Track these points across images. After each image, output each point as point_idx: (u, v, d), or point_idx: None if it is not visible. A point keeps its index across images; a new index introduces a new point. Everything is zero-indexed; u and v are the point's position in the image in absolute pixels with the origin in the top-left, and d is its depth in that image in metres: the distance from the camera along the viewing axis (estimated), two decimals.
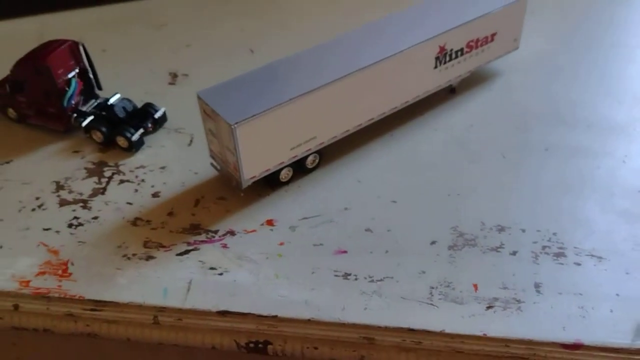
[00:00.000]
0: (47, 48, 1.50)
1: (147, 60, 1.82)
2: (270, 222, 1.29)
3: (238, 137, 1.20)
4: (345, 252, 1.22)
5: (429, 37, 1.40)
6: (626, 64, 1.69)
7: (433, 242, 1.22)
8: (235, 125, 1.18)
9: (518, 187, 1.33)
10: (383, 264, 1.19)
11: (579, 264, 1.16)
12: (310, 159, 1.38)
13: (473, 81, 1.62)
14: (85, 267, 1.22)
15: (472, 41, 1.49)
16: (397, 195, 1.33)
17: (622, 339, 1.04)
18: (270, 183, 1.35)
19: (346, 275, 1.17)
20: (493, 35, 1.53)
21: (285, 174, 1.36)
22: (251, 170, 1.27)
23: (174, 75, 1.75)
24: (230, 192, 1.34)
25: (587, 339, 1.04)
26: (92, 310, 1.17)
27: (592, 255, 1.17)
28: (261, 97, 1.24)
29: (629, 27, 1.85)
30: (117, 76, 1.72)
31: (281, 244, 1.24)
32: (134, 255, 1.24)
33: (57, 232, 1.30)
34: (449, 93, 1.60)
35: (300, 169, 1.38)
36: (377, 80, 1.36)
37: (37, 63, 1.47)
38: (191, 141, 1.51)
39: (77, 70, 1.54)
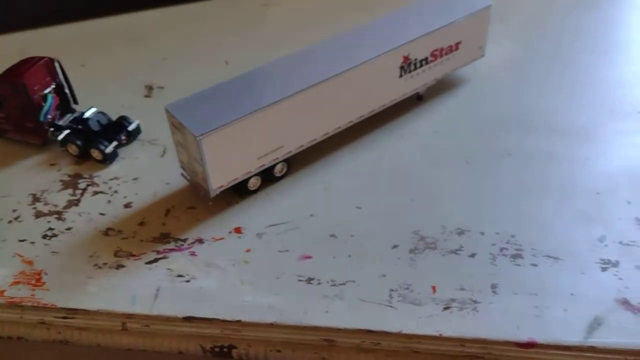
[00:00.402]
0: (24, 65, 1.54)
1: (124, 74, 1.86)
2: (238, 230, 1.32)
3: (204, 149, 1.23)
4: (309, 257, 1.25)
5: (393, 47, 1.44)
6: (592, 70, 1.73)
7: (395, 246, 1.25)
8: (201, 137, 1.22)
9: (479, 191, 1.36)
10: (346, 268, 1.22)
11: (535, 265, 1.19)
12: (278, 167, 1.41)
13: (440, 88, 1.66)
14: (58, 276, 1.26)
15: (436, 50, 1.53)
16: (362, 202, 1.36)
17: (574, 337, 1.07)
18: (239, 192, 1.39)
19: (309, 280, 1.20)
20: (458, 43, 1.57)
21: (253, 183, 1.39)
22: (219, 180, 1.31)
23: (150, 88, 1.79)
24: (199, 202, 1.38)
25: (541, 337, 1.07)
26: (63, 318, 1.20)
27: (549, 256, 1.21)
28: (227, 108, 1.28)
29: (595, 33, 1.89)
30: (94, 90, 1.75)
31: (248, 250, 1.27)
32: (104, 264, 1.27)
33: (32, 243, 1.33)
34: (416, 100, 1.63)
35: (268, 177, 1.41)
36: (342, 90, 1.40)
37: (14, 80, 1.50)
38: (164, 152, 1.55)
39: (53, 86, 1.57)
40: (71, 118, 1.60)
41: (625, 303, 1.11)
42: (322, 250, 1.26)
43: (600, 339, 1.06)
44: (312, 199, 1.38)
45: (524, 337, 1.07)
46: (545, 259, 1.20)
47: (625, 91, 1.63)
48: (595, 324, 1.08)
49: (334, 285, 1.19)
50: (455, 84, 1.70)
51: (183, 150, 1.33)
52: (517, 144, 1.48)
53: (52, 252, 1.31)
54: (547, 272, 1.18)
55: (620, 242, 1.22)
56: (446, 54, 1.56)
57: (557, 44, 1.85)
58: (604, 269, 1.17)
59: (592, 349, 1.05)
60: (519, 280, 1.16)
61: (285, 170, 1.44)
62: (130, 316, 1.18)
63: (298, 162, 1.46)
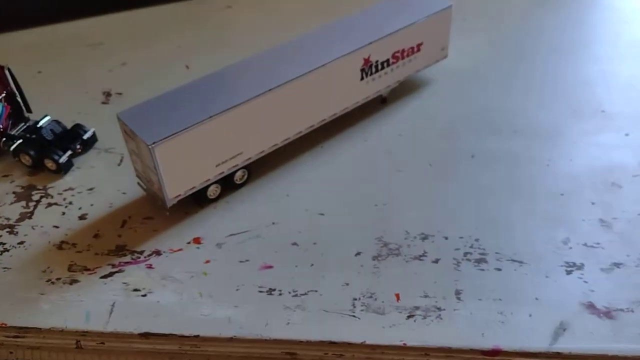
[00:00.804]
0: None
1: (81, 80, 1.81)
2: (197, 240, 1.28)
3: (157, 157, 1.19)
4: (271, 267, 1.22)
5: (353, 49, 1.41)
6: (556, 70, 1.73)
7: (358, 254, 1.23)
8: (153, 145, 1.17)
9: (443, 195, 1.34)
10: (308, 277, 1.19)
11: (499, 269, 1.17)
12: (238, 174, 1.38)
13: (404, 90, 1.64)
14: (9, 293, 1.20)
15: (397, 52, 1.51)
16: (325, 208, 1.34)
17: (540, 342, 1.05)
18: (198, 200, 1.35)
19: (270, 291, 1.17)
20: (419, 45, 1.55)
21: (213, 191, 1.35)
22: (175, 189, 1.27)
23: (108, 95, 1.74)
24: (157, 212, 1.34)
25: (506, 344, 1.05)
26: (14, 337, 1.15)
27: (513, 260, 1.19)
28: (182, 115, 1.24)
29: (560, 34, 1.88)
30: (50, 98, 1.70)
31: (207, 261, 1.24)
32: (58, 279, 1.22)
33: None
34: (380, 103, 1.61)
35: (228, 185, 1.38)
36: (302, 94, 1.37)
37: None
38: (121, 161, 1.50)
39: (4, 94, 1.52)
40: (24, 127, 1.54)
41: (591, 307, 1.10)
42: (283, 259, 1.23)
43: (566, 345, 1.04)
44: (273, 207, 1.35)
45: (489, 344, 1.05)
46: (509, 262, 1.18)
47: (588, 90, 1.63)
48: (561, 329, 1.06)
49: (296, 295, 1.15)
50: (419, 86, 1.68)
51: (138, 159, 1.28)
52: (480, 146, 1.46)
53: (4, 268, 1.25)
54: (511, 276, 1.16)
55: (585, 244, 1.21)
56: (408, 55, 1.54)
57: (520, 44, 1.84)
58: (568, 272, 1.16)
59: (558, 355, 1.04)
60: (483, 285, 1.15)
61: (245, 177, 1.40)
62: (84, 333, 1.13)
63: (259, 168, 1.42)
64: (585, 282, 1.14)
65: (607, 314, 1.08)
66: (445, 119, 1.56)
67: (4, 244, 1.31)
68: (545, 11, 2.01)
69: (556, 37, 1.87)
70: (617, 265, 1.17)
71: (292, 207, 1.35)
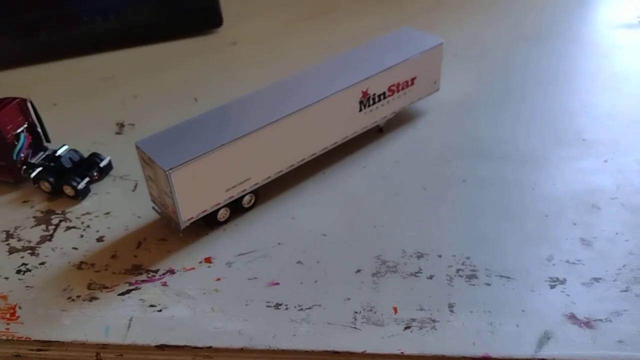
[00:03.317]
0: None
1: (95, 112, 1.92)
2: (208, 260, 1.38)
3: (173, 182, 1.29)
4: (277, 284, 1.31)
5: (352, 83, 1.53)
6: (541, 101, 1.85)
7: (358, 271, 1.32)
8: (170, 171, 1.28)
9: (436, 216, 1.44)
10: (312, 293, 1.28)
11: (489, 284, 1.27)
12: (246, 199, 1.48)
13: (399, 121, 1.75)
14: (32, 310, 1.29)
15: (393, 85, 1.62)
16: (327, 229, 1.43)
17: (526, 350, 1.14)
18: (208, 223, 1.44)
19: (277, 306, 1.26)
20: (413, 79, 1.67)
21: (222, 214, 1.45)
22: (188, 212, 1.37)
23: (121, 125, 1.85)
24: (170, 234, 1.43)
25: (495, 352, 1.14)
26: (38, 350, 1.23)
27: (501, 276, 1.28)
28: (195, 143, 1.34)
29: (544, 67, 2.01)
30: (66, 128, 1.81)
31: (218, 279, 1.33)
32: (78, 297, 1.31)
33: (6, 278, 1.36)
34: (378, 132, 1.72)
35: (237, 208, 1.47)
36: (305, 124, 1.48)
37: None
38: (135, 187, 1.60)
39: (25, 125, 1.62)
40: (43, 156, 1.64)
41: (572, 317, 1.19)
42: (289, 276, 1.32)
43: (550, 352, 1.13)
44: (279, 228, 1.45)
45: (479, 352, 1.14)
46: (498, 278, 1.28)
47: (570, 120, 1.75)
48: (545, 338, 1.15)
49: (301, 309, 1.24)
50: (414, 117, 1.79)
51: (153, 185, 1.38)
52: (471, 172, 1.57)
53: (26, 286, 1.34)
54: (499, 290, 1.25)
55: (567, 261, 1.31)
56: (403, 88, 1.66)
57: (507, 78, 1.97)
58: (552, 287, 1.25)
59: None
60: (474, 299, 1.24)
61: (253, 201, 1.50)
62: (104, 346, 1.21)
63: (265, 193, 1.53)
64: (568, 295, 1.23)
65: (588, 324, 1.18)
66: (438, 147, 1.67)
67: (26, 264, 1.40)
68: (530, 46, 2.15)
69: (541, 71, 2.00)
70: (597, 279, 1.26)
71: (296, 229, 1.44)
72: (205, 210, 1.40)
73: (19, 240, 1.47)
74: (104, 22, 2.27)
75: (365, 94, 1.57)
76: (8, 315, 1.28)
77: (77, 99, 2.01)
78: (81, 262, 1.39)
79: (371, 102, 1.60)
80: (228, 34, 2.36)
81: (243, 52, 2.25)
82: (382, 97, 1.62)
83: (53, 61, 2.22)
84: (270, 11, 2.56)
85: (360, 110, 1.59)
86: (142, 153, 1.35)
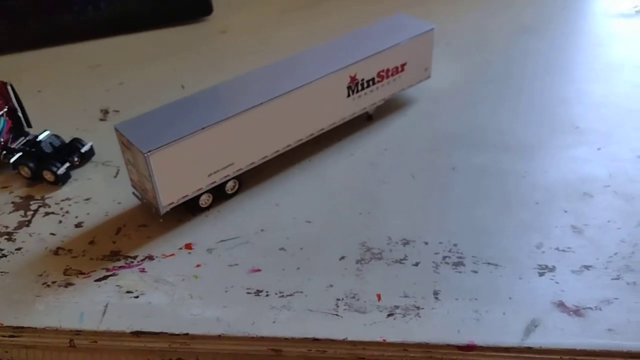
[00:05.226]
0: None
1: (80, 99, 1.89)
2: (188, 246, 1.34)
3: (152, 165, 1.25)
4: (259, 270, 1.27)
5: (339, 67, 1.49)
6: (534, 90, 1.81)
7: (342, 258, 1.28)
8: (149, 154, 1.24)
9: (424, 204, 1.41)
10: (294, 280, 1.24)
11: (476, 272, 1.23)
12: (229, 184, 1.44)
13: (389, 108, 1.72)
14: (6, 295, 1.25)
15: (382, 71, 1.59)
16: (312, 216, 1.40)
17: (512, 338, 1.10)
18: (190, 209, 1.41)
19: (258, 292, 1.22)
20: (403, 65, 1.63)
21: (204, 200, 1.41)
22: (168, 197, 1.33)
23: (105, 112, 1.82)
24: (151, 219, 1.39)
25: (480, 340, 1.10)
26: (10, 336, 1.19)
27: (489, 263, 1.25)
28: (176, 126, 1.31)
29: (538, 57, 1.97)
30: (50, 114, 1.78)
31: (198, 265, 1.29)
32: (53, 282, 1.27)
33: None
34: (366, 120, 1.69)
35: (220, 194, 1.44)
36: (290, 108, 1.44)
37: None
38: (117, 173, 1.57)
39: (5, 109, 1.59)
40: (24, 141, 1.61)
41: (561, 305, 1.15)
42: (271, 263, 1.28)
43: (537, 340, 1.09)
44: (263, 215, 1.41)
45: (464, 340, 1.10)
46: (485, 265, 1.24)
47: (564, 108, 1.71)
48: (532, 326, 1.12)
49: (282, 296, 1.21)
50: (404, 104, 1.76)
51: (133, 169, 1.35)
52: (461, 160, 1.53)
53: (1, 272, 1.31)
54: (487, 278, 1.22)
55: (557, 249, 1.27)
56: (392, 75, 1.62)
57: (501, 67, 1.93)
58: (541, 274, 1.22)
59: (529, 349, 1.09)
60: (460, 286, 1.20)
61: (236, 187, 1.46)
62: (77, 332, 1.18)
63: (250, 179, 1.49)
64: (557, 283, 1.19)
65: (577, 312, 1.14)
66: (428, 135, 1.64)
67: (2, 249, 1.36)
68: (526, 36, 2.11)
69: (535, 60, 1.96)
70: (587, 267, 1.22)
71: (280, 216, 1.41)
72: (187, 196, 1.36)
73: None
74: (95, 10, 2.24)
75: (353, 79, 1.53)
76: None
77: (63, 86, 1.97)
78: (58, 248, 1.36)
79: (360, 87, 1.56)
80: (218, 23, 2.33)
81: (233, 41, 2.21)
82: (371, 82, 1.58)
83: (41, 48, 2.18)
84: (262, 0, 2.52)
85: (349, 96, 1.55)
86: (121, 136, 1.31)
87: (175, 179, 1.32)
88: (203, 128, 1.30)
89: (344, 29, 1.70)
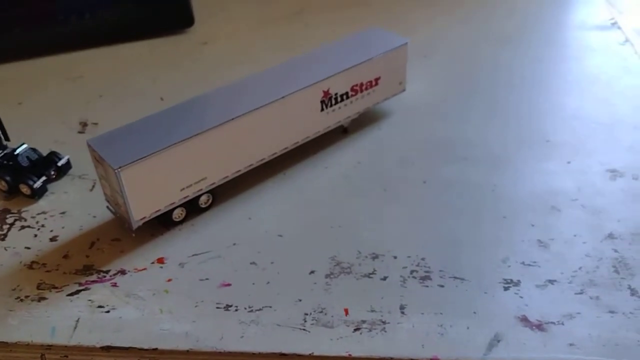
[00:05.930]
0: None
1: (60, 111, 1.90)
2: (160, 260, 1.36)
3: (123, 181, 1.27)
4: (229, 284, 1.29)
5: (313, 82, 1.51)
6: (508, 102, 1.84)
7: (312, 272, 1.30)
8: (119, 170, 1.25)
9: (395, 218, 1.43)
10: (263, 294, 1.26)
11: (442, 286, 1.25)
12: (203, 198, 1.46)
13: (364, 121, 1.74)
14: None
15: (356, 85, 1.61)
16: (283, 230, 1.41)
17: (475, 353, 1.12)
18: (163, 223, 1.42)
19: (227, 307, 1.23)
20: (377, 79, 1.65)
21: (178, 214, 1.43)
22: (140, 212, 1.34)
23: (84, 125, 1.83)
24: (124, 234, 1.41)
25: (443, 354, 1.12)
26: None
27: (455, 277, 1.27)
28: (147, 141, 1.32)
29: (512, 70, 2.00)
30: (29, 127, 1.79)
31: (169, 280, 1.30)
32: (27, 297, 1.28)
33: None
34: (342, 133, 1.70)
35: (194, 208, 1.45)
36: (263, 123, 1.46)
37: None
38: (93, 187, 1.58)
39: None
40: (1, 154, 1.62)
41: (524, 320, 1.17)
42: (241, 277, 1.30)
43: (499, 355, 1.11)
44: (235, 229, 1.43)
45: (428, 354, 1.12)
46: (452, 279, 1.26)
47: (536, 121, 1.73)
48: (495, 341, 1.14)
49: (251, 311, 1.22)
50: (379, 118, 1.78)
51: (106, 184, 1.36)
52: (432, 173, 1.55)
53: None
54: (452, 292, 1.24)
55: (523, 263, 1.29)
56: (366, 89, 1.64)
57: (475, 80, 1.96)
58: (506, 289, 1.24)
59: None
60: (427, 300, 1.22)
61: (210, 201, 1.48)
62: (49, 347, 1.19)
63: (224, 193, 1.51)
64: (521, 297, 1.22)
65: (539, 326, 1.16)
66: (401, 148, 1.66)
67: None
68: (503, 48, 2.13)
69: (511, 72, 1.99)
70: (551, 282, 1.24)
71: (253, 229, 1.42)
72: (159, 210, 1.38)
73: None
74: (78, 21, 2.25)
75: (326, 93, 1.55)
76: None
77: (43, 98, 1.98)
78: (32, 262, 1.37)
79: (333, 102, 1.58)
80: (199, 34, 2.34)
81: (214, 52, 2.23)
82: (344, 97, 1.60)
83: (18, 61, 2.19)
84: (244, 11, 2.54)
85: (322, 110, 1.57)
86: (93, 151, 1.33)
87: (147, 194, 1.33)
88: (175, 143, 1.32)
89: (326, 40, 1.72)
